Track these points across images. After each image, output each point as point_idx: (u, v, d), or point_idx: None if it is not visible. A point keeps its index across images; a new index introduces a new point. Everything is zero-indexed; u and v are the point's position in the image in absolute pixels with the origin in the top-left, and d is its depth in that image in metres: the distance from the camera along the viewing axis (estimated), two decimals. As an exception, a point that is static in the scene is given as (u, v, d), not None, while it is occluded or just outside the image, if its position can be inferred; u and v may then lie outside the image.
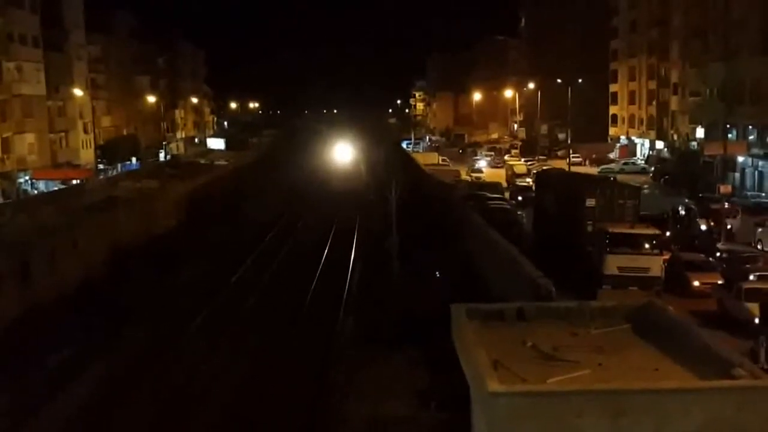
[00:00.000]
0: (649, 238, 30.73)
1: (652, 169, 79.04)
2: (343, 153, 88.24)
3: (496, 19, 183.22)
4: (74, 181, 66.47)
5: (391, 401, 20.99)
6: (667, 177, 70.04)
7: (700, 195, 52.32)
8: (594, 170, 78.30)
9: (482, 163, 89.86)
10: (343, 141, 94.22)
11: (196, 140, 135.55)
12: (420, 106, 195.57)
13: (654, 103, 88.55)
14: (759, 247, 38.51)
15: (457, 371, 12.63)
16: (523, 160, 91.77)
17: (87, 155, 78.47)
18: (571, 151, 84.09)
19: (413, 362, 23.76)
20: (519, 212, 48.92)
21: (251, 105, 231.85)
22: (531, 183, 59.20)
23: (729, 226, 40.71)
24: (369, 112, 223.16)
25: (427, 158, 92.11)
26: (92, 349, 26.43)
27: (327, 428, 20.13)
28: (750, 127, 61.74)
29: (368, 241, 44.17)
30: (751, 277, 29.52)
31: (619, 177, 64.32)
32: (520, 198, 56.81)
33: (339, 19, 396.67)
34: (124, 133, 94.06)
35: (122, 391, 23.32)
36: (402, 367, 23.56)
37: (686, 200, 49.31)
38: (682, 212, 43.74)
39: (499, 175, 74.65)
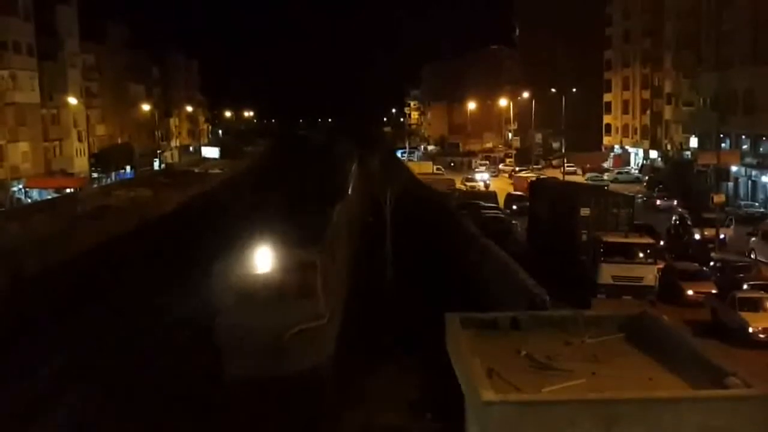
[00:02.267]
0: (643, 247, 30.78)
1: (646, 178, 79.28)
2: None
3: (491, 28, 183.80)
4: (68, 190, 66.34)
5: (385, 411, 20.93)
6: (660, 186, 70.22)
7: (680, 210, 52.26)
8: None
9: (485, 176, 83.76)
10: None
11: (191, 149, 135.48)
12: (414, 115, 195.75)
13: (647, 112, 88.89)
14: (752, 256, 38.58)
15: (452, 380, 12.63)
16: (517, 168, 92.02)
17: (81, 163, 78.35)
18: (565, 160, 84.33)
19: (407, 371, 23.70)
20: (513, 221, 48.96)
21: (246, 114, 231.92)
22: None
23: (722, 236, 40.80)
24: (363, 120, 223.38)
25: (422, 167, 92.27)
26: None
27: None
28: (743, 136, 61.97)
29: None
30: (745, 287, 29.58)
31: (613, 186, 64.53)
32: (514, 207, 56.84)
33: (333, 29, 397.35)
34: (119, 141, 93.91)
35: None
36: (396, 376, 23.50)
37: (679, 209, 49.41)
38: (676, 221, 43.90)
39: (499, 188, 73.69)
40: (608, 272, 29.95)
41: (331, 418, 20.97)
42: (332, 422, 20.73)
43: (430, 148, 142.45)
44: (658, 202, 59.85)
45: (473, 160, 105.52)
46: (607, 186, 63.51)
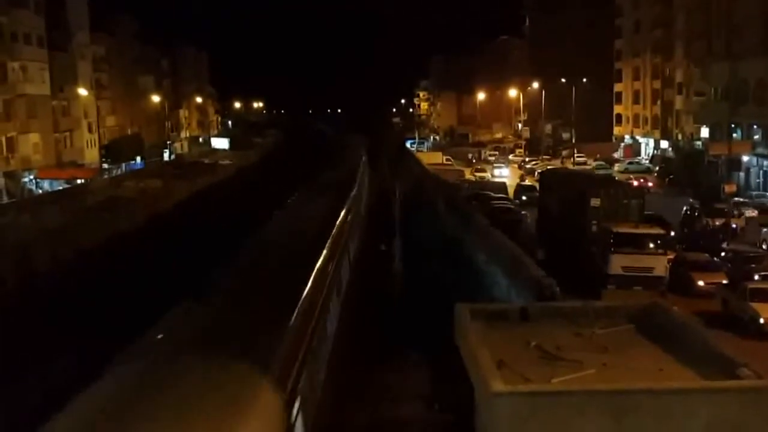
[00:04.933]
0: (653, 237, 30.69)
1: (657, 168, 79.05)
2: None
3: (500, 19, 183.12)
4: (78, 181, 66.67)
5: (393, 404, 20.91)
6: (671, 177, 70.01)
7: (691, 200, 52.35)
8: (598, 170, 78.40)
9: (504, 171, 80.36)
10: None
11: (201, 140, 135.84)
12: (424, 105, 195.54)
13: (658, 102, 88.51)
14: (764, 247, 38.43)
15: (461, 372, 12.61)
16: (527, 159, 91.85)
17: (91, 155, 78.69)
18: (575, 151, 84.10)
19: (416, 364, 23.68)
20: (523, 212, 48.86)
21: (255, 105, 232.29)
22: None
23: (734, 226, 40.66)
24: (373, 111, 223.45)
25: (431, 158, 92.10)
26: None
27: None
28: (755, 126, 61.69)
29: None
30: (756, 277, 29.48)
31: (623, 177, 64.38)
32: (524, 197, 56.75)
33: (343, 18, 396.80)
34: (129, 132, 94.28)
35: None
36: (404, 368, 23.48)
37: (691, 200, 49.28)
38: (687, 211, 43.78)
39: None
40: (618, 263, 29.87)
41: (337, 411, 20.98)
42: (338, 415, 20.72)
43: (437, 138, 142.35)
44: (635, 183, 59.27)
45: (482, 151, 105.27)
46: (614, 174, 63.77)
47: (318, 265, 17.26)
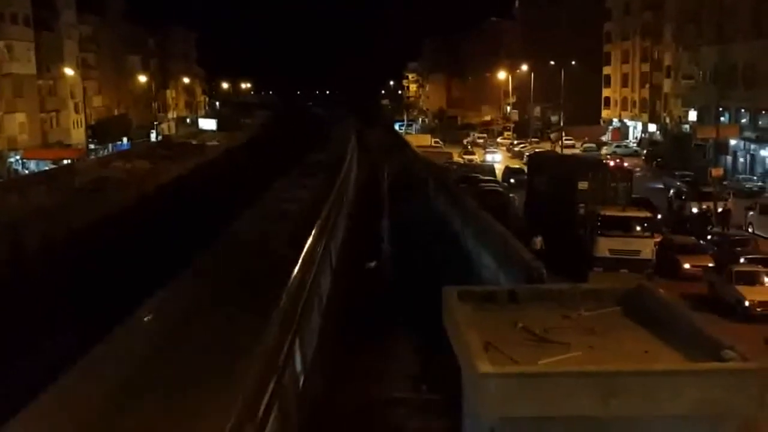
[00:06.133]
0: (640, 220, 30.78)
1: (645, 151, 79.23)
2: None
3: (490, 1, 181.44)
4: (65, 161, 66.26)
5: (381, 385, 20.99)
6: (659, 160, 70.17)
7: (686, 177, 52.41)
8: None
9: (497, 156, 78.78)
10: None
11: (188, 120, 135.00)
12: (413, 87, 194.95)
13: (647, 85, 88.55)
14: (750, 230, 38.66)
15: (449, 354, 12.66)
16: (515, 142, 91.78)
17: (78, 135, 78.14)
18: (564, 134, 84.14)
19: (404, 345, 23.76)
20: (511, 195, 48.91)
21: (243, 85, 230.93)
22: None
23: (720, 210, 40.84)
24: (362, 92, 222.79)
25: (420, 140, 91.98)
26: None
27: (316, 412, 20.11)
28: (742, 110, 61.80)
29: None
30: (742, 260, 29.65)
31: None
32: (512, 180, 56.81)
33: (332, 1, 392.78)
34: (116, 113, 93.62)
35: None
36: (393, 350, 23.55)
37: (677, 183, 49.44)
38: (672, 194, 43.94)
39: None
40: (605, 245, 29.95)
41: (327, 393, 21.04)
42: (329, 397, 20.79)
43: (426, 120, 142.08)
44: (611, 163, 56.09)
45: (471, 134, 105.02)
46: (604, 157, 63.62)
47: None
